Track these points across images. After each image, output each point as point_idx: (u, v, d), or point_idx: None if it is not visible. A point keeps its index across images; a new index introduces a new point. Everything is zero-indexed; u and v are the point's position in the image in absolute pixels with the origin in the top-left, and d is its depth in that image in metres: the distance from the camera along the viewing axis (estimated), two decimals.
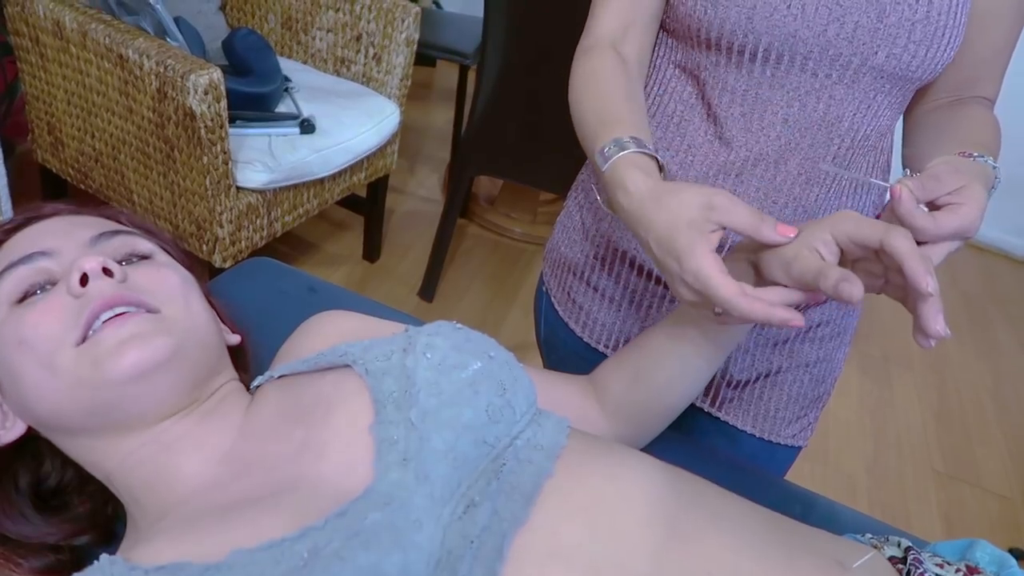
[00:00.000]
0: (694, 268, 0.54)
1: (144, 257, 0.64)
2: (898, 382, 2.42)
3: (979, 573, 0.59)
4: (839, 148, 0.73)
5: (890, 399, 2.34)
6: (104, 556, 0.50)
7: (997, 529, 1.96)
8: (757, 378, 0.85)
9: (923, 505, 1.98)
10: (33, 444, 0.63)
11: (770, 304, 0.53)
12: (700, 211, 0.55)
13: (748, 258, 0.63)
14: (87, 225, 0.64)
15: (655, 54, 0.79)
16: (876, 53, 0.67)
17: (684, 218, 0.56)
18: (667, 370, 0.69)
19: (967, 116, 0.72)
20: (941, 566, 0.59)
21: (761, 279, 0.62)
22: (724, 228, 0.56)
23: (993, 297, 3.02)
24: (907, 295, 0.55)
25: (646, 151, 0.62)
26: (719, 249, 0.76)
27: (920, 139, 0.75)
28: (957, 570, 0.59)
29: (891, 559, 0.60)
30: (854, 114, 0.71)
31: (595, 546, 0.49)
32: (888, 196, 0.56)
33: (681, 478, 0.58)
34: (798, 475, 1.95)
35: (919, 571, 0.57)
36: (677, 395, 0.71)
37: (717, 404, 0.88)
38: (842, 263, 0.57)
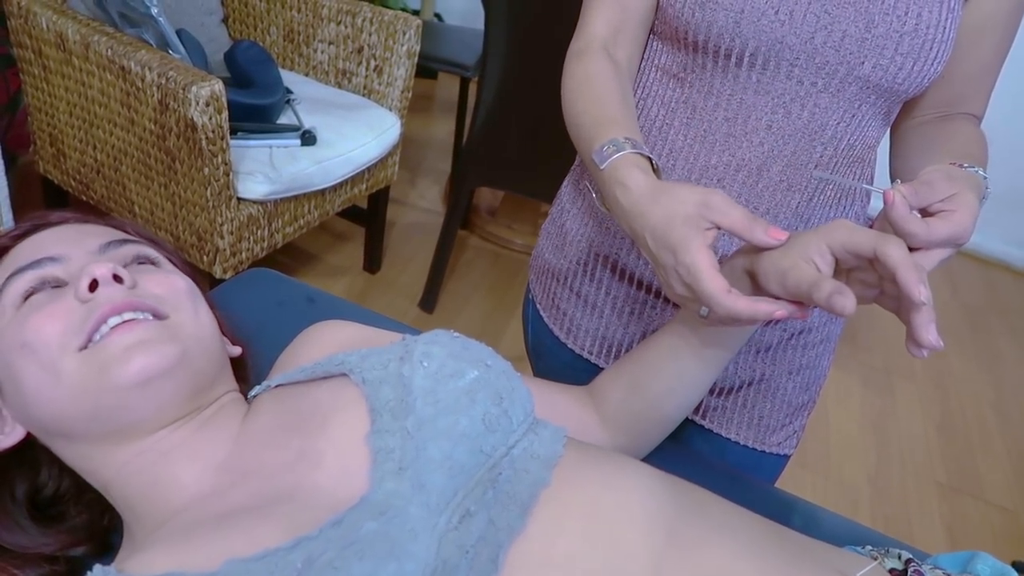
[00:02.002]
0: (688, 261, 0.55)
1: (152, 263, 0.65)
2: (900, 394, 2.41)
3: None
4: (821, 156, 0.73)
5: (892, 411, 2.33)
6: (98, 567, 0.49)
7: (1000, 541, 1.94)
8: (741, 386, 0.85)
9: (926, 517, 1.97)
10: (30, 452, 0.63)
11: (753, 300, 0.54)
12: (696, 208, 0.56)
13: (744, 268, 0.63)
14: (95, 233, 0.64)
15: (641, 58, 0.79)
16: (863, 63, 0.67)
17: (680, 214, 0.57)
18: (665, 381, 0.69)
19: (956, 130, 0.72)
20: None
21: (757, 290, 0.62)
22: (718, 228, 0.56)
23: (995, 308, 3.01)
24: (901, 305, 0.55)
25: (642, 152, 0.63)
26: (720, 259, 0.77)
27: (908, 152, 0.75)
28: None
29: (891, 571, 0.60)
30: (837, 123, 0.71)
31: (592, 555, 0.49)
32: (877, 201, 0.56)
33: (680, 487, 0.57)
34: (799, 486, 1.95)
35: None
36: (675, 406, 0.71)
37: (701, 412, 0.88)
38: (837, 272, 0.57)
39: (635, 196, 0.60)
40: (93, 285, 0.57)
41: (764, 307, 0.54)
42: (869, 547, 0.65)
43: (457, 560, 0.47)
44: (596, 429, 0.71)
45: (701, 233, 0.56)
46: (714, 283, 0.54)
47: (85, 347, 0.55)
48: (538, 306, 0.94)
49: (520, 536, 0.49)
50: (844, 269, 0.58)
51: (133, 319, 0.57)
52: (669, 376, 0.69)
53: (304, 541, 0.47)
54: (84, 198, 1.93)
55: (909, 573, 0.58)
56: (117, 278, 0.58)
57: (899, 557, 0.62)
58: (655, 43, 0.77)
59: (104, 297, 0.57)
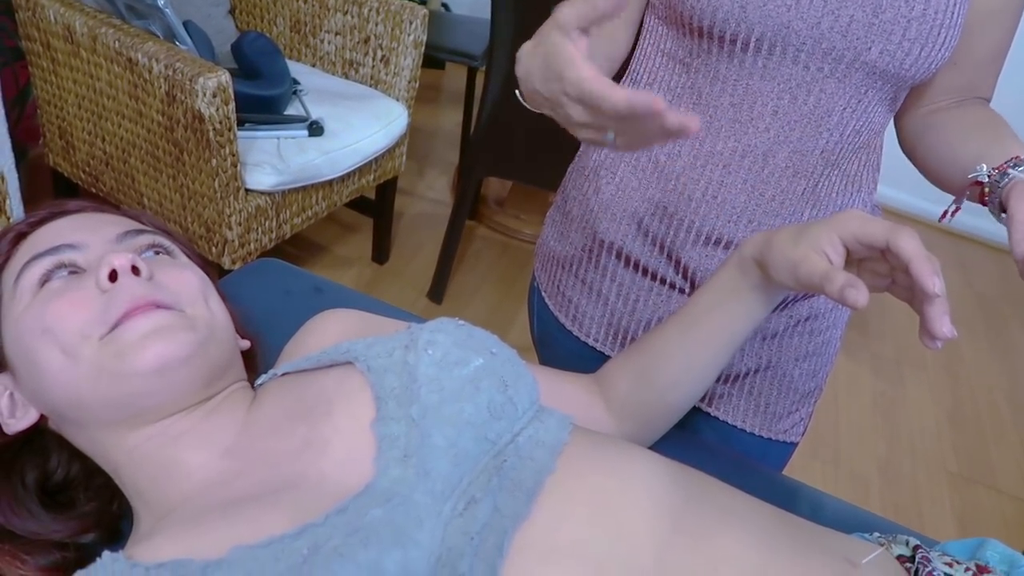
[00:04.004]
0: (561, 53, 0.49)
1: (168, 253, 0.65)
2: (911, 383, 2.40)
3: (989, 572, 0.58)
4: (827, 142, 0.72)
5: (903, 400, 2.32)
6: (106, 553, 0.50)
7: (1012, 530, 1.94)
8: (748, 372, 0.85)
9: (936, 507, 1.96)
10: (40, 439, 0.63)
11: (633, 93, 0.46)
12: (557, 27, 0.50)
13: (754, 258, 0.62)
14: (113, 222, 0.65)
15: (645, 41, 0.79)
16: (870, 49, 0.66)
17: (553, 39, 0.51)
18: (672, 371, 0.69)
19: (989, 117, 0.72)
20: (950, 565, 0.59)
21: (768, 282, 0.62)
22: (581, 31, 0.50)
23: (1008, 297, 2.99)
24: (913, 295, 0.55)
25: None
26: (716, 243, 0.76)
27: (939, 137, 0.74)
28: (967, 569, 0.58)
29: (899, 558, 0.59)
30: (843, 109, 0.71)
31: (598, 542, 0.49)
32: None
33: (686, 474, 0.57)
34: (808, 476, 1.94)
35: (927, 569, 0.56)
36: (683, 393, 0.70)
37: (708, 399, 0.87)
38: (847, 262, 0.57)
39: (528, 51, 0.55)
40: (113, 275, 0.58)
41: (643, 98, 0.45)
42: (877, 534, 0.65)
43: (462, 547, 0.47)
44: (603, 417, 0.71)
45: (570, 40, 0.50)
46: (583, 69, 0.48)
47: (105, 337, 0.56)
48: (543, 294, 0.94)
49: (525, 523, 0.49)
50: (855, 259, 0.58)
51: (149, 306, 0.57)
52: (676, 366, 0.68)
53: (310, 528, 0.47)
54: (94, 190, 1.94)
55: (917, 559, 0.58)
56: (135, 270, 0.59)
57: (907, 543, 0.62)
58: (660, 28, 0.77)
59: (125, 290, 0.57)
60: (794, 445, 0.89)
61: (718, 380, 0.86)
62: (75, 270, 0.60)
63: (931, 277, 0.50)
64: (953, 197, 0.69)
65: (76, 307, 0.56)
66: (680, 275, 0.80)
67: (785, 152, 0.72)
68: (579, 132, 0.53)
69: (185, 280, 0.62)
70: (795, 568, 0.52)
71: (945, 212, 0.68)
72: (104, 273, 0.57)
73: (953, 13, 0.66)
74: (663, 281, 0.82)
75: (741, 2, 0.66)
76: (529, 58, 0.55)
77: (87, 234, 0.62)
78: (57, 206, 0.67)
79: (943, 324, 0.51)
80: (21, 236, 0.64)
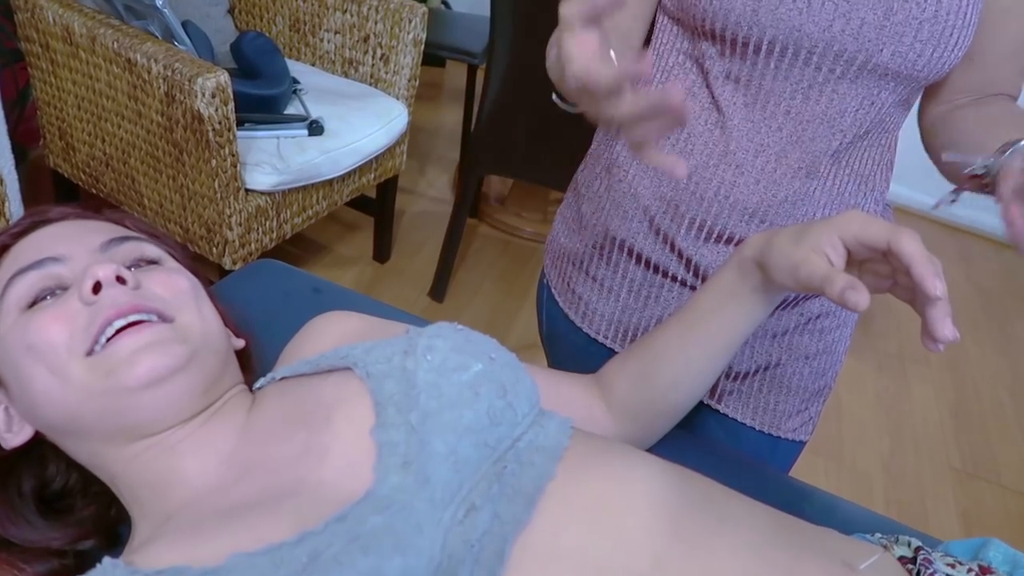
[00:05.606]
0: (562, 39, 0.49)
1: (153, 262, 0.64)
2: (915, 379, 2.40)
3: (992, 573, 0.58)
4: (841, 143, 0.72)
5: (907, 396, 2.32)
6: (106, 559, 0.49)
7: (1016, 527, 1.93)
8: (757, 370, 0.85)
9: (940, 503, 1.96)
10: (37, 448, 0.63)
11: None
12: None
13: (755, 259, 0.62)
14: (96, 230, 0.64)
15: (659, 41, 0.79)
16: (881, 51, 0.66)
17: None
18: (672, 371, 0.68)
19: (1006, 110, 0.71)
20: (952, 566, 0.58)
21: (769, 283, 0.62)
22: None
23: (1011, 292, 2.98)
24: (915, 296, 0.54)
25: None
26: (727, 241, 0.76)
27: (958, 132, 0.73)
28: (969, 570, 0.58)
29: (901, 559, 0.59)
30: (856, 109, 0.70)
31: (597, 548, 0.49)
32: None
33: (687, 479, 0.57)
34: (811, 473, 1.94)
35: (929, 571, 0.56)
36: (683, 394, 0.70)
37: (717, 396, 0.87)
38: (849, 263, 0.57)
39: None
40: (97, 287, 0.57)
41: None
42: (879, 534, 0.65)
43: (463, 554, 0.47)
44: (603, 418, 0.71)
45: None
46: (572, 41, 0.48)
47: (91, 351, 0.55)
48: (553, 291, 0.94)
49: (526, 529, 0.49)
50: (856, 260, 0.57)
51: (139, 321, 0.56)
52: (676, 367, 0.68)
53: (309, 536, 0.47)
54: (94, 191, 1.94)
55: (919, 561, 0.58)
56: (120, 279, 0.58)
57: (908, 544, 0.61)
58: (672, 27, 0.77)
59: (108, 300, 0.56)
60: (802, 444, 0.89)
61: (727, 377, 0.86)
62: (62, 286, 0.59)
63: (932, 279, 0.50)
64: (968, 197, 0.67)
65: (59, 323, 0.56)
66: (691, 273, 0.80)
67: (798, 153, 0.72)
68: (621, 132, 0.52)
69: (175, 285, 0.61)
70: (791, 574, 0.52)
71: (939, 202, 0.67)
72: (87, 286, 0.56)
73: (966, 13, 0.65)
74: (674, 278, 0.82)
75: (753, 5, 0.66)
76: (553, 61, 0.56)
77: (70, 245, 0.61)
78: (39, 214, 0.66)
79: (945, 326, 0.50)
80: (4, 248, 0.63)
